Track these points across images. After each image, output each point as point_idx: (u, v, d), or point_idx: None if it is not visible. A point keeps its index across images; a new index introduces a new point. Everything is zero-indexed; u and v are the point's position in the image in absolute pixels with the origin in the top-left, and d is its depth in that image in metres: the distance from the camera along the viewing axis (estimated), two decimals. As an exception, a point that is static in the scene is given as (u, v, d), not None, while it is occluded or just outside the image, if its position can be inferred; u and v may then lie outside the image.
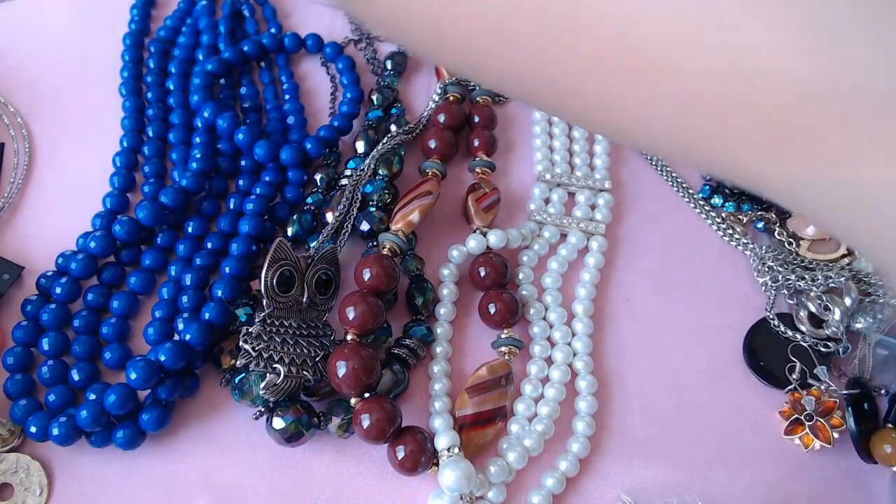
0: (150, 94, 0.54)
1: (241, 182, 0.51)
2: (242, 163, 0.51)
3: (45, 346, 0.42)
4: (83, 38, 0.58)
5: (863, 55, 0.20)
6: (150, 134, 0.52)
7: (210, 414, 0.43)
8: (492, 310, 0.45)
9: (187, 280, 0.45)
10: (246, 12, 0.61)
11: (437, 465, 0.39)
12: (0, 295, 0.44)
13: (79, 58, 0.57)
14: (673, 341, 0.48)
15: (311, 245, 0.46)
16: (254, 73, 0.58)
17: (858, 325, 0.47)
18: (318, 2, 0.49)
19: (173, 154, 0.51)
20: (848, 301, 0.47)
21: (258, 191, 0.49)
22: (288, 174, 0.51)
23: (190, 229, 0.48)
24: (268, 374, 0.39)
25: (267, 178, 0.50)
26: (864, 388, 0.45)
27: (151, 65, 0.56)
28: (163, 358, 0.39)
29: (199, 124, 0.52)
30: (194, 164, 0.49)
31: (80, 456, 0.40)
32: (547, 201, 0.53)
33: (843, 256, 0.50)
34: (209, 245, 0.47)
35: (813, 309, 0.48)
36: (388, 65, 0.58)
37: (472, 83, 0.56)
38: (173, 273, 0.46)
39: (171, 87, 0.54)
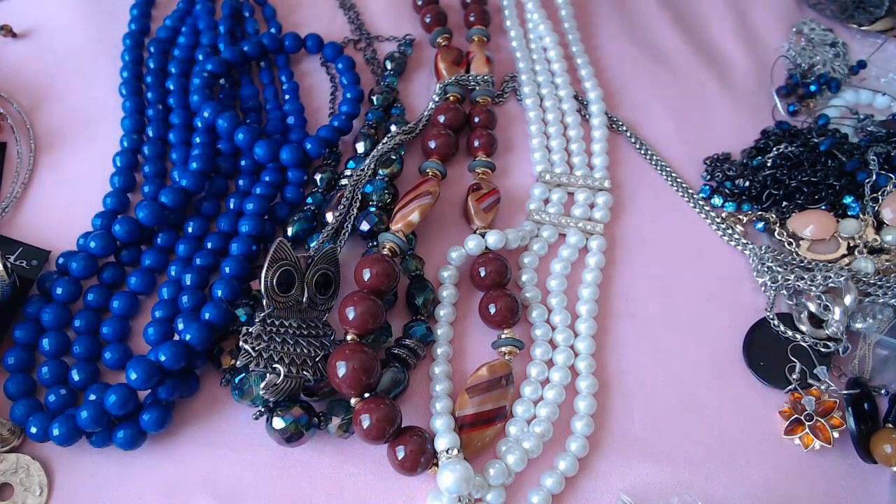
0: (150, 95, 0.54)
1: (241, 182, 0.51)
2: (242, 163, 0.51)
3: (46, 347, 0.42)
4: (84, 37, 0.58)
5: None
6: (151, 134, 0.52)
7: (210, 414, 0.43)
8: (492, 310, 0.45)
9: (187, 280, 0.45)
10: (246, 12, 0.61)
11: (437, 465, 0.39)
12: (32, 281, 0.44)
13: (80, 57, 0.57)
14: (673, 341, 0.48)
15: (311, 245, 0.46)
16: (254, 73, 0.58)
17: (858, 325, 0.47)
18: None
19: (173, 154, 0.51)
20: (848, 301, 0.47)
21: (258, 191, 0.49)
22: (288, 174, 0.51)
23: (190, 229, 0.48)
24: (268, 374, 0.39)
25: (267, 179, 0.50)
26: (864, 388, 0.45)
27: (151, 65, 0.56)
28: (163, 358, 0.39)
29: (199, 124, 0.52)
30: (194, 164, 0.49)
31: (80, 456, 0.40)
32: (546, 201, 0.53)
33: (843, 256, 0.50)
34: (209, 245, 0.47)
35: (813, 309, 0.48)
36: (388, 65, 0.58)
37: (472, 84, 0.56)
38: (173, 273, 0.46)
39: (171, 88, 0.54)
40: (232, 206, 0.49)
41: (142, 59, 0.57)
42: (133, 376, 0.38)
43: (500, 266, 0.46)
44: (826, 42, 0.65)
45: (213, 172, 0.50)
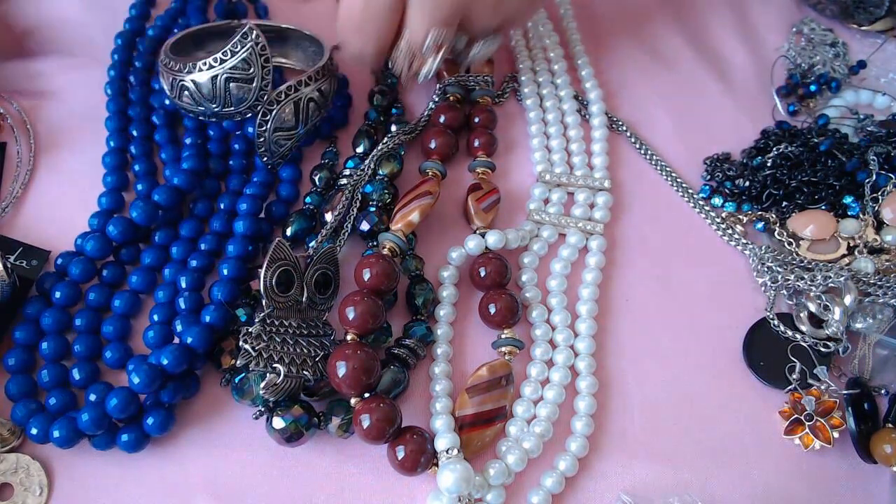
0: (132, 94, 0.54)
1: (231, 182, 0.50)
2: (231, 163, 0.51)
3: (45, 350, 0.42)
4: (85, 36, 0.58)
5: None
6: (135, 133, 0.52)
7: (210, 414, 0.43)
8: (492, 310, 0.45)
9: (183, 283, 0.45)
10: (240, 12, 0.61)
11: (437, 465, 0.39)
12: (32, 281, 0.44)
13: (80, 56, 0.57)
14: (673, 341, 0.48)
15: (310, 245, 0.46)
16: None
17: (858, 325, 0.47)
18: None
19: (162, 154, 0.51)
20: (848, 301, 0.47)
21: (249, 191, 0.49)
22: (281, 172, 0.50)
23: (183, 231, 0.48)
24: (268, 374, 0.39)
25: (256, 179, 0.50)
26: (864, 388, 0.45)
27: (138, 64, 0.55)
28: (165, 362, 0.39)
29: (189, 124, 0.52)
30: (185, 165, 0.49)
31: (80, 456, 0.40)
32: (546, 201, 0.53)
33: (843, 256, 0.50)
34: (202, 247, 0.47)
35: (813, 309, 0.48)
36: (389, 65, 0.58)
37: (471, 84, 0.56)
38: (168, 276, 0.46)
39: (156, 87, 0.54)
40: (223, 206, 0.49)
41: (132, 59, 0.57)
42: (136, 380, 0.38)
43: (500, 266, 0.46)
44: (826, 42, 0.65)
45: (204, 173, 0.50)
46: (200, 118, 0.48)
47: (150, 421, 0.39)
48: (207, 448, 0.41)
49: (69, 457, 0.40)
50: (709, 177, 0.56)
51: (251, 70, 0.44)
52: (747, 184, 0.54)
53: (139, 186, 0.49)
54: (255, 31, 0.44)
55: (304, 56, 0.56)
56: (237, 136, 0.52)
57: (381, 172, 0.50)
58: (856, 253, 0.50)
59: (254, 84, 0.44)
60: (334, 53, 0.50)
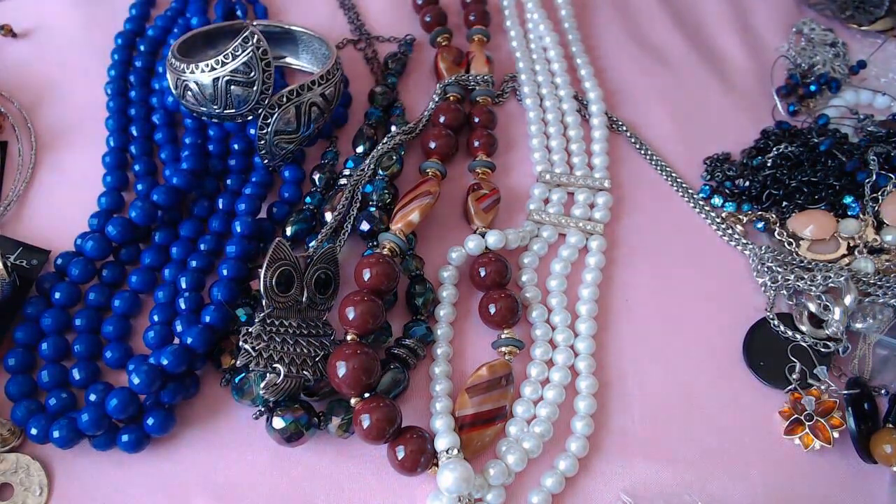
0: (132, 93, 0.54)
1: (229, 181, 0.50)
2: (232, 162, 0.51)
3: (45, 351, 0.42)
4: (85, 36, 0.58)
5: None
6: (135, 133, 0.52)
7: (210, 414, 0.43)
8: (492, 310, 0.45)
9: (183, 283, 0.45)
10: (238, 12, 0.61)
11: (437, 465, 0.39)
12: (32, 281, 0.44)
13: (81, 56, 0.57)
14: (673, 341, 0.48)
15: (310, 245, 0.46)
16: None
17: (858, 325, 0.47)
18: None
19: (162, 154, 0.51)
20: (848, 301, 0.47)
21: (248, 191, 0.49)
22: (283, 173, 0.50)
23: (183, 232, 0.47)
24: (268, 374, 0.39)
25: (255, 179, 0.50)
26: (864, 388, 0.45)
27: (138, 64, 0.55)
28: (165, 362, 0.39)
29: (189, 123, 0.52)
30: (185, 165, 0.49)
31: (80, 456, 0.40)
32: (546, 201, 0.53)
33: (843, 256, 0.50)
34: (202, 247, 0.47)
35: (813, 309, 0.48)
36: (388, 65, 0.58)
37: (472, 84, 0.56)
38: (168, 276, 0.46)
39: (156, 87, 0.54)
40: (221, 205, 0.49)
41: (132, 59, 0.57)
42: (136, 381, 0.38)
43: (500, 266, 0.46)
44: (826, 42, 0.65)
45: (204, 173, 0.50)
46: (203, 118, 0.49)
47: (150, 421, 0.39)
48: (207, 448, 0.41)
49: (69, 457, 0.40)
50: (709, 177, 0.56)
51: (252, 73, 0.44)
52: (747, 184, 0.54)
53: (139, 186, 0.49)
54: (256, 35, 0.44)
55: (314, 58, 0.56)
56: (237, 136, 0.52)
57: (381, 172, 0.50)
58: (856, 253, 0.50)
59: (255, 87, 0.45)
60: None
